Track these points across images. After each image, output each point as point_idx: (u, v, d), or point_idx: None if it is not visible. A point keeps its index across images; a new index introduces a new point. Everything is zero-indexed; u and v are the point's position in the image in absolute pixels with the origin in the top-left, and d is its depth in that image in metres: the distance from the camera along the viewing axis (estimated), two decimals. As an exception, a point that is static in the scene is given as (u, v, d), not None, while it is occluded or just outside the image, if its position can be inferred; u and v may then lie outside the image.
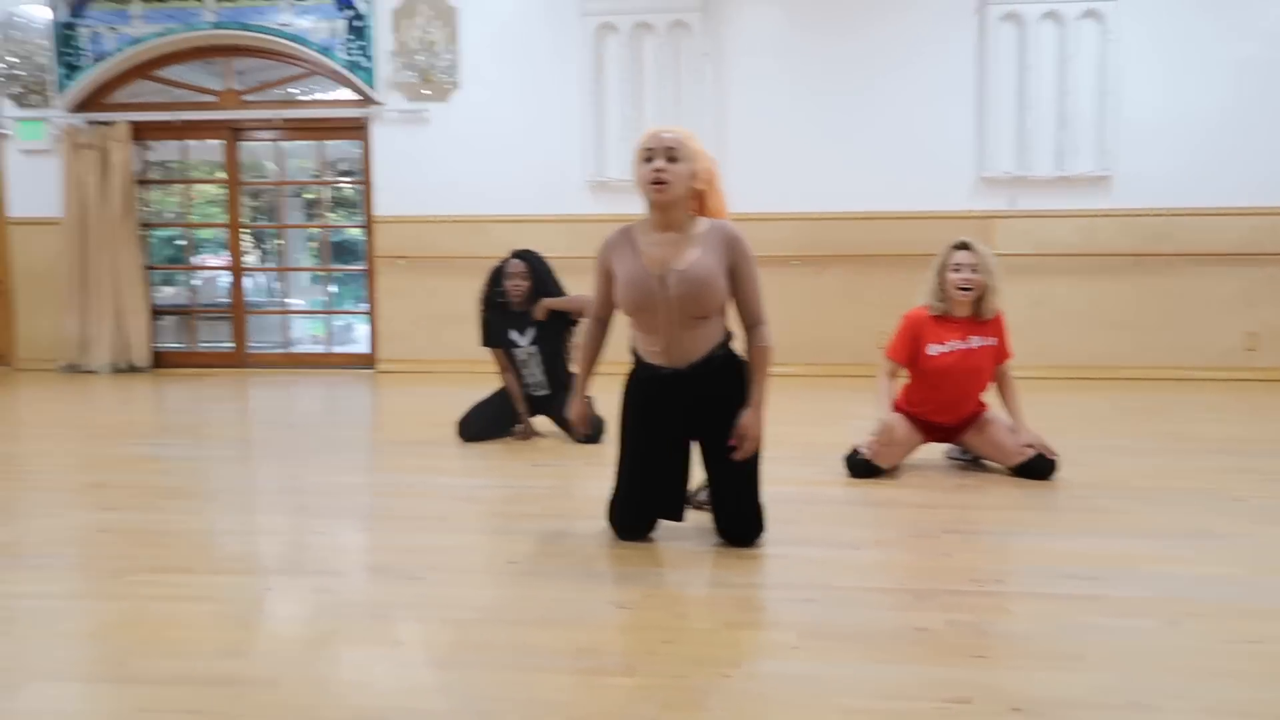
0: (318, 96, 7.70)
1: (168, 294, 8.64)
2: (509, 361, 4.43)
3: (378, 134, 7.17)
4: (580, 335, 2.77)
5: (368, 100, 7.13)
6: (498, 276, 4.43)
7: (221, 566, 2.61)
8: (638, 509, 2.79)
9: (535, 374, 4.43)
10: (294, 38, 7.05)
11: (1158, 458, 3.97)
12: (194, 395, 6.19)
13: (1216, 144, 6.51)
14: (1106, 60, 6.46)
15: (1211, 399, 5.74)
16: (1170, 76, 6.50)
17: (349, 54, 7.03)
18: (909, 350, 3.64)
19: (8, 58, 7.20)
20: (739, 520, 2.74)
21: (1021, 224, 6.65)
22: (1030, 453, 3.54)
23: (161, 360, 7.59)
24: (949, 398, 3.63)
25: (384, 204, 7.20)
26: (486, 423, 4.42)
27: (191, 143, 7.81)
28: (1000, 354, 3.65)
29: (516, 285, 4.36)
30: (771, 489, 3.33)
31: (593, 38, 6.81)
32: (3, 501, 3.33)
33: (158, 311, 7.78)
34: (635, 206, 2.75)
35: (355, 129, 7.30)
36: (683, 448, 2.77)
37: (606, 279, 2.76)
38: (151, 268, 7.74)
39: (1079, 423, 4.82)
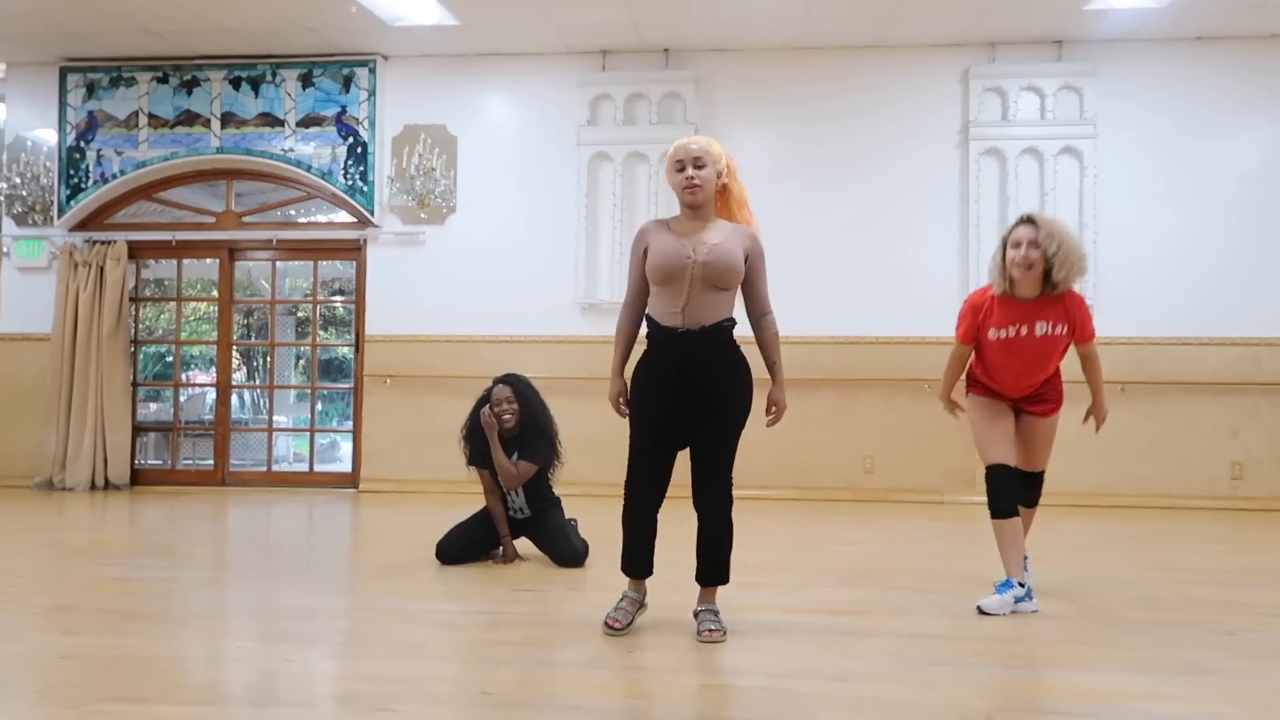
0: (315, 218, 7.87)
1: (152, 410, 8.62)
2: (494, 483, 4.40)
3: (373, 255, 7.30)
4: (616, 336, 3.18)
5: (365, 222, 7.29)
6: (485, 402, 4.41)
7: (185, 696, 2.51)
8: (646, 492, 3.10)
9: (517, 498, 4.39)
10: (295, 163, 7.25)
11: (1147, 589, 3.91)
12: (171, 514, 6.09)
13: (1193, 276, 6.67)
14: (1085, 194, 6.68)
15: (1199, 528, 5.71)
16: (1148, 211, 6.71)
17: (348, 179, 7.22)
18: (972, 330, 3.52)
19: (13, 179, 7.38)
20: (711, 494, 3.09)
21: (1005, 351, 6.72)
22: (1037, 467, 3.62)
23: (140, 478, 7.49)
24: (1010, 379, 3.50)
25: (375, 323, 7.26)
26: (465, 545, 4.35)
27: (188, 261, 7.91)
28: (1079, 338, 3.48)
29: (504, 411, 4.34)
30: (756, 617, 3.28)
31: (587, 166, 7.02)
32: (-36, 623, 3.23)
33: (141, 428, 7.73)
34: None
35: (351, 250, 7.44)
36: (679, 439, 3.11)
37: (642, 262, 3.13)
38: (138, 384, 7.74)
39: (1067, 551, 4.76)
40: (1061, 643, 3.08)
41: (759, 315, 3.19)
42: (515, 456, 4.32)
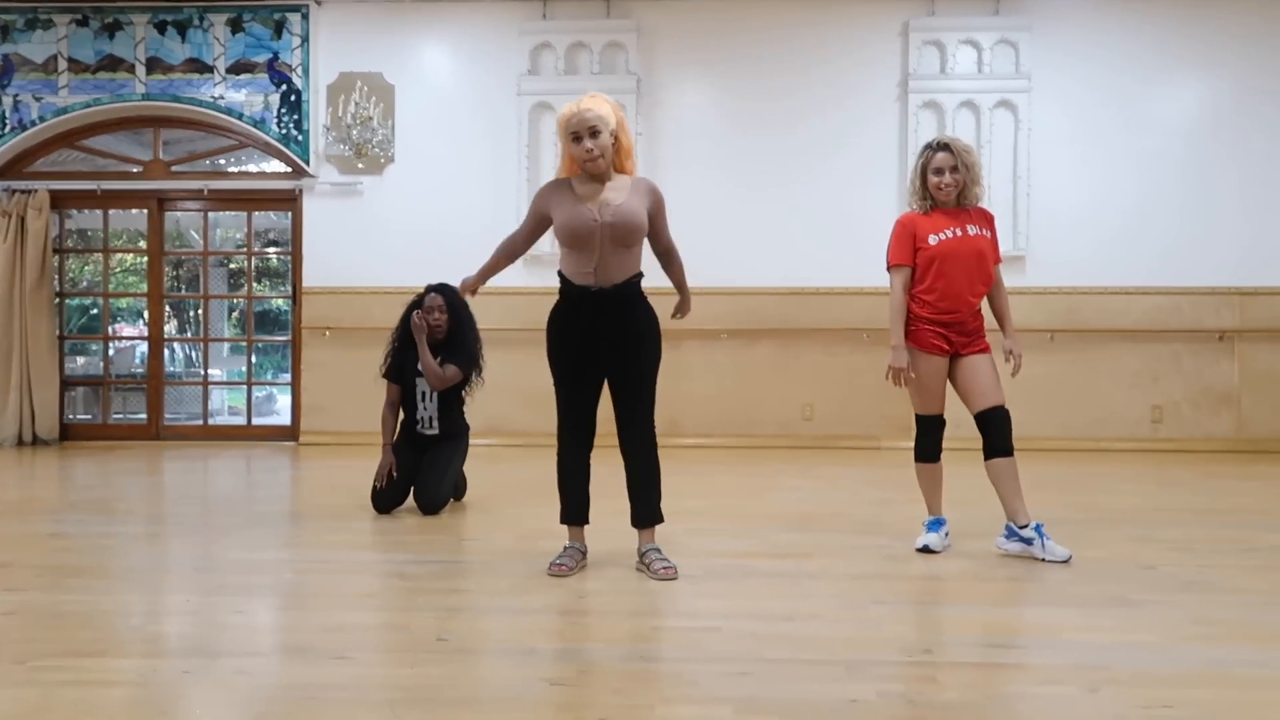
0: (248, 168, 7.66)
1: (80, 364, 8.38)
2: (399, 400, 4.50)
3: (309, 206, 7.15)
4: (496, 250, 3.46)
5: (300, 172, 7.12)
6: (416, 309, 4.50)
7: (135, 649, 2.50)
8: (575, 434, 3.25)
9: (429, 411, 4.47)
10: (226, 110, 7.03)
11: (1072, 527, 4.09)
12: (104, 470, 5.96)
13: (1120, 227, 6.89)
14: (1019, 147, 6.82)
15: (1120, 470, 5.96)
16: (1078, 164, 6.90)
17: (282, 127, 7.03)
18: (909, 249, 3.62)
19: (-78, 122, 7.03)
20: (635, 438, 3.21)
21: (940, 301, 6.88)
22: (993, 401, 3.58)
23: (70, 433, 7.32)
24: (957, 285, 3.56)
25: (312, 275, 7.14)
26: (398, 490, 4.39)
27: (114, 211, 7.66)
28: (994, 255, 3.66)
29: (436, 319, 4.45)
30: (703, 562, 3.36)
31: (528, 117, 6.94)
32: (-103, 583, 3.15)
33: (69, 383, 7.52)
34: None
35: (286, 200, 7.27)
36: (597, 378, 3.25)
37: (537, 220, 3.31)
38: (64, 337, 7.51)
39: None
40: (994, 580, 3.22)
41: (664, 252, 3.37)
42: (440, 360, 4.41)
